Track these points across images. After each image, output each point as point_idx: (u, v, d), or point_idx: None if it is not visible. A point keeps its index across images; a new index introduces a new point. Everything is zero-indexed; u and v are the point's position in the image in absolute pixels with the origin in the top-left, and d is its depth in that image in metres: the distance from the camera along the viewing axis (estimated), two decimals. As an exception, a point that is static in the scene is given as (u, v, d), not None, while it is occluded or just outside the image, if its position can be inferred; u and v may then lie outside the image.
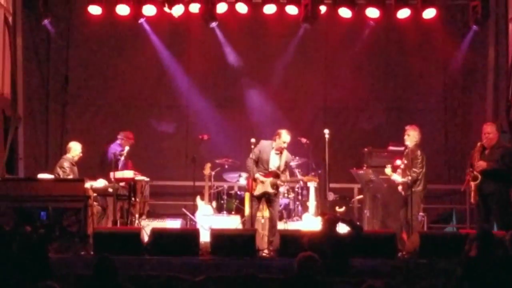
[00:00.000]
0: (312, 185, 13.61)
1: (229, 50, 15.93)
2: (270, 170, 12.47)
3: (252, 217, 12.41)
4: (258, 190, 12.40)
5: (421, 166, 12.18)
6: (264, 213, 12.78)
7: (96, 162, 14.09)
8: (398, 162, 12.51)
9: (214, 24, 15.00)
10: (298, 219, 13.61)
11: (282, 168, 12.47)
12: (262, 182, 12.35)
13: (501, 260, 8.02)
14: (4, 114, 14.48)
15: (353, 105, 16.26)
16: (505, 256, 8.26)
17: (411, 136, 12.33)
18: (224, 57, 16.00)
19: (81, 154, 13.23)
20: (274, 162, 12.48)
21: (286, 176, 12.70)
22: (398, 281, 9.44)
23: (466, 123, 15.97)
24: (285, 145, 12.49)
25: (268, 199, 12.46)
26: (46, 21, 14.92)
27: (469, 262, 7.99)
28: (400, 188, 12.39)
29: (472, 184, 11.91)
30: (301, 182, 13.76)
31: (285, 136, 12.47)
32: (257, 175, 12.40)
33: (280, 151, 12.52)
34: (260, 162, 12.50)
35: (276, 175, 12.40)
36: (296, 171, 13.86)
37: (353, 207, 14.58)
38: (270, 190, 12.39)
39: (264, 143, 12.56)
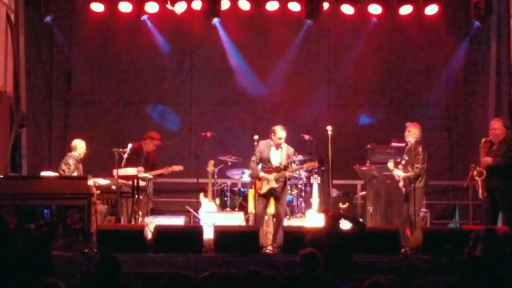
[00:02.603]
0: (315, 182, 13.64)
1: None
2: (273, 166, 12.46)
3: (258, 216, 12.41)
4: (264, 188, 12.39)
5: (423, 161, 12.19)
6: (268, 209, 12.77)
7: (99, 160, 14.12)
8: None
9: (216, 21, 15.01)
10: (301, 215, 13.60)
11: (284, 162, 12.45)
12: (267, 179, 12.34)
13: (507, 258, 8.00)
14: (11, 112, 14.49)
15: (356, 101, 16.25)
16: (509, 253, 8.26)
17: (412, 133, 12.36)
18: (227, 53, 16.00)
19: (85, 151, 13.24)
20: (276, 158, 12.46)
21: (290, 168, 12.67)
22: (401, 277, 9.45)
23: (469, 119, 15.95)
24: (282, 140, 12.42)
25: (275, 196, 12.45)
26: (48, 19, 14.91)
27: (474, 262, 7.97)
28: (401, 184, 12.42)
29: (479, 180, 11.92)
30: (304, 179, 13.77)
31: (280, 132, 12.41)
32: (261, 174, 12.39)
33: (279, 147, 12.49)
34: (263, 162, 12.50)
35: (278, 169, 12.38)
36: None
37: (356, 204, 14.57)
38: (275, 185, 12.36)
39: (262, 143, 12.54)
